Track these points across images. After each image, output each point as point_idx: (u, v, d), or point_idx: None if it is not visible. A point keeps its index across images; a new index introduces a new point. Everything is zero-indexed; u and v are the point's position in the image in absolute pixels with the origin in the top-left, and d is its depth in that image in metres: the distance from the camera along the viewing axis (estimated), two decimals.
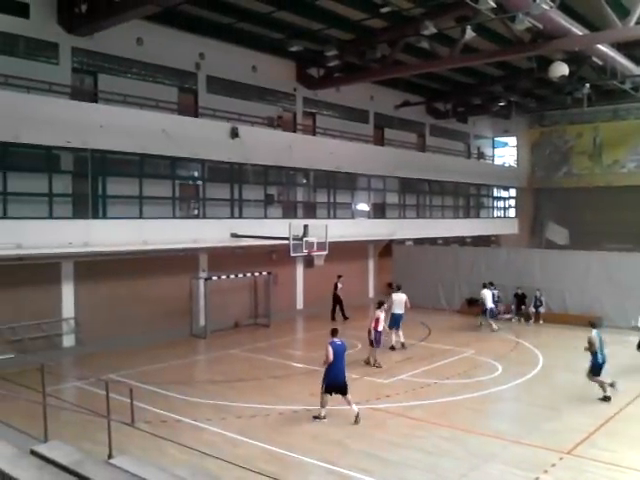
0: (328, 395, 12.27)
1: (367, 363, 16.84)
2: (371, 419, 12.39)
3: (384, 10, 20.53)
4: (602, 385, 13.67)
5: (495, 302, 22.64)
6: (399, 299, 19.34)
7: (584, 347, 13.95)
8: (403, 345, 18.99)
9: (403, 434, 11.56)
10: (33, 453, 7.82)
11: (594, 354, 13.69)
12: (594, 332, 13.94)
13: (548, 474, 9.72)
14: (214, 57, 22.83)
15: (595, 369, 13.74)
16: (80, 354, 18.30)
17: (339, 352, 12.35)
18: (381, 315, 17.02)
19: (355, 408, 12.16)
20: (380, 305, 17.40)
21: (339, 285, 24.66)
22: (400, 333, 19.05)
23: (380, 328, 16.87)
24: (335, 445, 10.96)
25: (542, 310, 23.44)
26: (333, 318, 24.16)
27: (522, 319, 23.78)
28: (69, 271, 18.80)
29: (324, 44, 23.17)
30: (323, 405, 12.30)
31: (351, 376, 15.34)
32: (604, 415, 12.56)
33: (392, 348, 18.55)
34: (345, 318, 24.15)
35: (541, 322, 23.22)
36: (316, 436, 11.42)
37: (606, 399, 13.50)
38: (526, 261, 24.96)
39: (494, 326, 21.88)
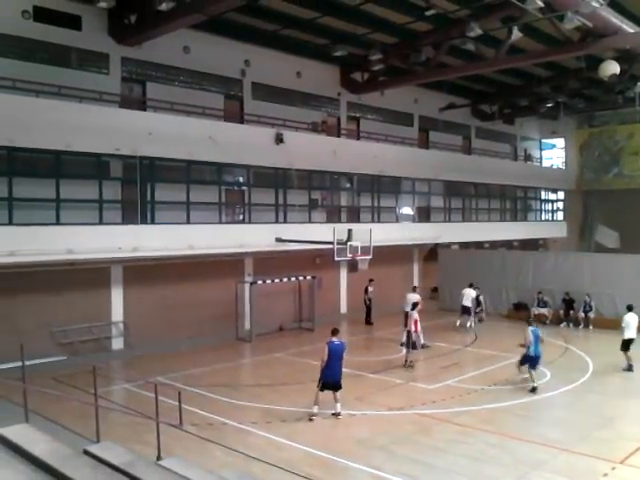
0: (321, 393, 12.65)
1: (409, 366, 17.00)
2: (417, 424, 12.31)
3: (429, 13, 20.36)
4: (531, 376, 14.70)
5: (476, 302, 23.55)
6: (410, 299, 19.96)
7: (519, 343, 15.59)
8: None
9: (449, 440, 11.43)
10: (86, 453, 8.02)
11: (527, 348, 14.92)
12: (529, 329, 15.13)
13: None
14: (259, 64, 23.11)
15: (525, 360, 15.12)
16: (128, 357, 18.73)
17: (335, 352, 12.69)
18: (417, 316, 17.52)
19: (339, 407, 12.64)
20: (414, 307, 17.87)
21: (370, 289, 24.59)
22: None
23: (419, 329, 17.58)
24: (380, 450, 10.92)
25: (592, 315, 22.84)
26: (368, 322, 24.31)
27: (571, 324, 23.25)
28: (118, 276, 19.28)
29: (368, 48, 23.18)
30: (316, 402, 12.61)
31: (395, 381, 15.42)
32: None
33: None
34: (368, 323, 24.25)
35: (591, 328, 22.64)
36: (361, 441, 11.40)
37: (534, 390, 14.40)
38: (575, 265, 24.36)
39: (459, 323, 22.64)
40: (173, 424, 9.44)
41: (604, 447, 10.95)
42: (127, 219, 18.39)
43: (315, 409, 12.61)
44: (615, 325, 21.72)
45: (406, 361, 17.05)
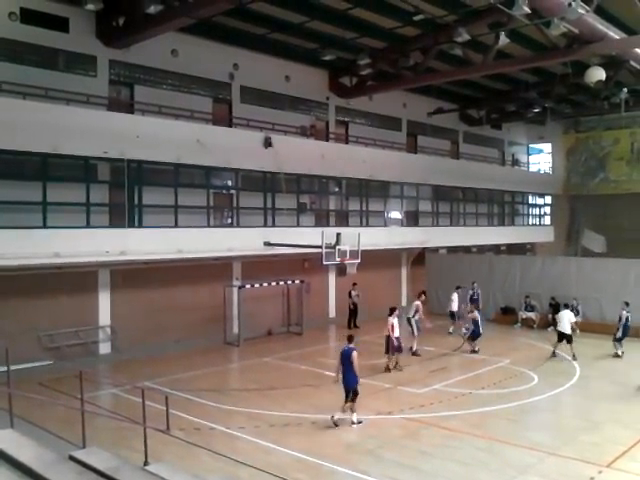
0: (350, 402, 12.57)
1: (387, 370, 17.10)
2: (404, 429, 12.34)
3: (417, 18, 20.45)
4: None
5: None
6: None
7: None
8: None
9: (437, 444, 11.46)
10: (72, 459, 7.96)
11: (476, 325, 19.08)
12: (475, 312, 19.56)
13: None
14: (248, 67, 23.10)
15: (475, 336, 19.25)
16: (116, 361, 18.62)
17: (342, 357, 12.73)
18: (394, 321, 17.14)
19: (353, 416, 12.49)
20: (392, 312, 17.37)
21: (353, 292, 24.57)
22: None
23: (397, 334, 17.07)
24: (368, 455, 10.92)
25: (579, 319, 22.96)
26: (350, 326, 24.19)
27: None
28: (105, 279, 19.17)
29: (357, 53, 23.23)
30: (343, 410, 12.50)
31: (383, 385, 15.44)
32: None
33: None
34: (350, 327, 24.07)
35: (578, 332, 22.73)
36: (349, 445, 11.40)
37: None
38: (562, 269, 24.55)
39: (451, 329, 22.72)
40: (160, 429, 9.37)
41: (591, 451, 11.02)
42: (115, 222, 18.28)
43: (352, 417, 12.54)
44: (601, 329, 22.02)
45: (387, 366, 17.15)
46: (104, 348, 19.23)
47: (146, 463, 8.62)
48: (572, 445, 11.37)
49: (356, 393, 12.63)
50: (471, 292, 24.05)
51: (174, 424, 11.16)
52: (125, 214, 18.26)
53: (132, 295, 19.47)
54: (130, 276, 19.25)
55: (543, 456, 10.87)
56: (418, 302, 19.89)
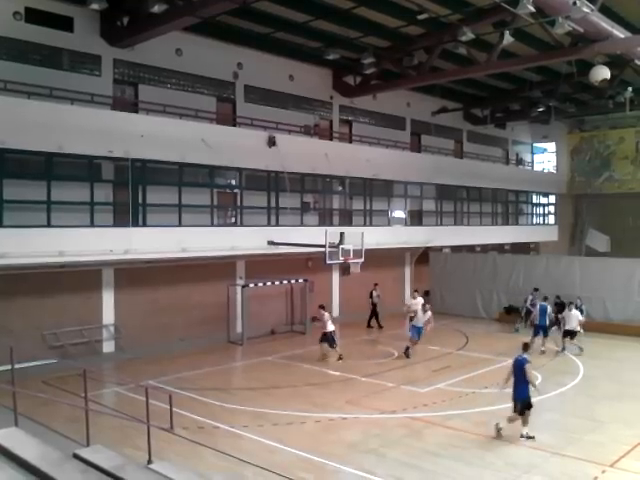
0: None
1: (340, 358, 18.20)
2: (408, 428, 12.33)
3: (421, 17, 20.43)
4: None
5: None
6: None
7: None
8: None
9: (440, 443, 11.45)
10: (76, 457, 7.98)
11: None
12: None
13: None
14: (252, 67, 23.13)
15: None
16: (120, 360, 18.66)
17: (515, 367, 12.13)
18: (325, 315, 18.45)
19: (523, 430, 11.71)
20: (322, 307, 18.80)
21: (374, 293, 24.50)
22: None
23: (331, 328, 18.32)
24: (371, 453, 10.92)
25: (583, 319, 22.88)
26: (369, 325, 24.30)
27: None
28: (109, 278, 19.21)
29: (361, 52, 23.18)
30: (510, 420, 11.83)
31: (386, 384, 15.42)
32: None
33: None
34: (369, 326, 24.26)
35: (582, 331, 22.68)
36: (353, 444, 11.39)
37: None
38: (566, 269, 24.50)
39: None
40: (164, 427, 9.38)
41: (595, 450, 11.00)
42: (119, 221, 18.29)
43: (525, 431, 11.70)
44: (606, 328, 21.99)
45: (339, 356, 18.20)
46: (108, 347, 19.27)
47: (150, 461, 8.63)
48: (576, 445, 11.36)
49: (527, 406, 11.74)
50: (531, 297, 22.46)
51: (178, 423, 11.20)
52: (129, 213, 18.30)
53: (136, 294, 19.51)
54: (134, 275, 19.29)
55: (547, 456, 10.86)
56: (427, 305, 19.96)
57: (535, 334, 19.67)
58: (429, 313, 19.18)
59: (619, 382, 15.93)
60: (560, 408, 14.26)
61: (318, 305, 19.28)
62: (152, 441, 9.10)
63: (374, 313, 24.38)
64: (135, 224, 18.36)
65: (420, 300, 21.58)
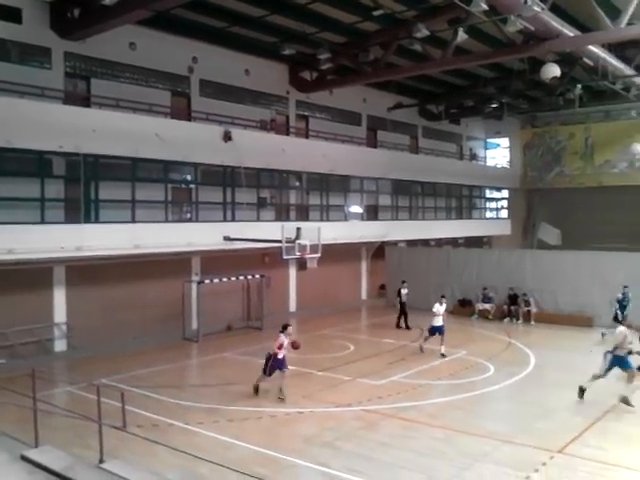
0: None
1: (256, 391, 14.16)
2: (363, 420, 12.45)
3: (376, 13, 20.57)
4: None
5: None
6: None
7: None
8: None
9: (395, 435, 11.60)
10: (24, 458, 7.82)
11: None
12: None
13: (539, 473, 9.78)
14: (207, 61, 22.91)
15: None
16: (72, 359, 18.29)
17: None
18: (285, 340, 13.86)
19: None
20: (285, 328, 14.08)
21: (403, 291, 22.93)
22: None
23: (281, 355, 13.86)
24: (327, 447, 10.99)
25: (533, 310, 23.53)
26: (398, 326, 22.77)
27: (514, 319, 23.87)
28: (61, 276, 18.79)
29: (317, 47, 23.20)
30: None
31: (342, 378, 15.53)
32: (595, 414, 12.63)
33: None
34: (398, 327, 22.68)
35: (532, 322, 23.31)
36: (308, 438, 11.44)
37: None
38: (517, 262, 25.03)
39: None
40: (116, 426, 9.28)
41: (544, 437, 11.31)
42: (70, 218, 17.94)
43: None
44: (556, 319, 22.63)
45: (257, 388, 14.15)
46: (60, 345, 18.87)
47: (101, 461, 8.53)
48: (526, 432, 11.65)
49: None
50: (620, 296, 20.63)
51: (132, 421, 11.10)
52: (81, 209, 17.95)
53: (89, 291, 19.13)
54: (87, 272, 18.92)
55: (498, 444, 11.09)
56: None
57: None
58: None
59: (568, 371, 16.36)
60: (512, 397, 14.61)
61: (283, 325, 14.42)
62: (105, 440, 9.00)
63: (403, 312, 22.71)
64: (87, 220, 18.06)
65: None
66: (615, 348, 13.41)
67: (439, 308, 18.48)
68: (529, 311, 23.54)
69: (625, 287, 20.66)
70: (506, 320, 23.93)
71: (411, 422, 12.33)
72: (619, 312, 19.74)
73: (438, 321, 18.36)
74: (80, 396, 13.74)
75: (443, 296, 19.40)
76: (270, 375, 13.90)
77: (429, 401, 13.70)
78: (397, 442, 11.19)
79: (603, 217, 35.52)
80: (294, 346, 14.10)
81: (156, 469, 9.39)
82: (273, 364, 13.82)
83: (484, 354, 18.13)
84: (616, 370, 13.42)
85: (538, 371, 16.46)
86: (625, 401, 12.97)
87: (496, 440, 11.26)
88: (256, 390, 14.07)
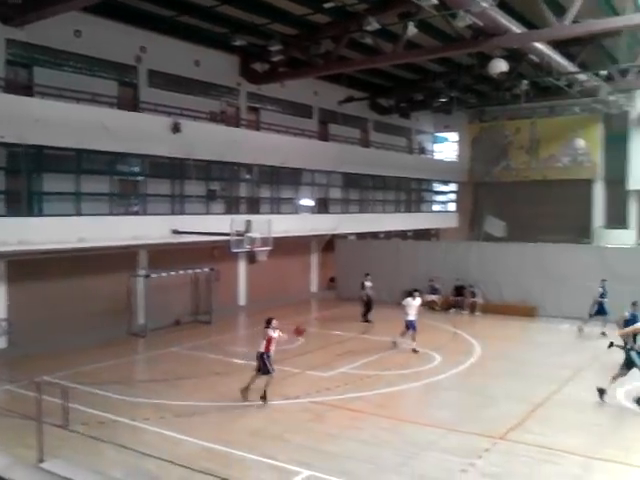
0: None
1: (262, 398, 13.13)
2: (311, 412, 12.53)
3: (327, 5, 20.56)
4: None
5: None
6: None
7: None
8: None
9: (342, 426, 11.71)
10: None
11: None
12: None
13: (482, 459, 10.08)
14: (156, 51, 22.41)
15: None
16: (13, 356, 17.60)
17: None
18: (274, 335, 13.28)
19: None
20: (269, 323, 13.34)
21: (367, 284, 22.77)
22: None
23: (272, 351, 13.32)
24: (275, 440, 11.02)
25: (479, 301, 24.04)
26: (365, 319, 22.32)
27: (460, 310, 24.36)
28: (1, 270, 18.17)
29: (268, 39, 23.00)
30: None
31: (292, 371, 15.55)
32: (537, 402, 13.03)
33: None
34: (365, 321, 22.17)
35: (477, 313, 23.83)
36: (255, 432, 11.45)
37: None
38: (463, 254, 25.52)
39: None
40: (57, 424, 9.07)
41: (488, 425, 11.62)
42: (12, 211, 17.40)
43: None
44: (501, 310, 23.21)
45: (247, 389, 13.22)
46: None
47: (41, 460, 8.32)
48: (471, 420, 11.95)
49: None
50: (601, 290, 19.98)
51: (76, 418, 10.89)
52: (24, 202, 17.42)
53: (31, 286, 18.55)
54: (29, 266, 18.35)
55: (444, 432, 11.35)
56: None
57: None
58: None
59: (512, 360, 16.85)
60: (457, 386, 14.91)
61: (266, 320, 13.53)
62: (47, 439, 8.80)
63: (367, 306, 22.48)
64: (30, 213, 17.55)
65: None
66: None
67: (410, 302, 17.94)
68: (475, 302, 24.05)
69: (603, 280, 20.01)
70: (452, 311, 24.38)
71: (358, 413, 12.48)
72: (605, 306, 19.52)
73: (409, 315, 17.86)
74: (20, 394, 13.31)
75: (417, 290, 18.76)
76: (274, 371, 13.20)
77: (376, 391, 13.85)
78: (344, 433, 11.30)
79: (547, 210, 36.46)
80: (298, 332, 14.29)
81: (100, 467, 9.21)
82: (268, 360, 13.13)
83: (431, 344, 18.38)
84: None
85: (483, 361, 16.84)
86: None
87: (442, 429, 11.51)
88: (245, 392, 13.10)
